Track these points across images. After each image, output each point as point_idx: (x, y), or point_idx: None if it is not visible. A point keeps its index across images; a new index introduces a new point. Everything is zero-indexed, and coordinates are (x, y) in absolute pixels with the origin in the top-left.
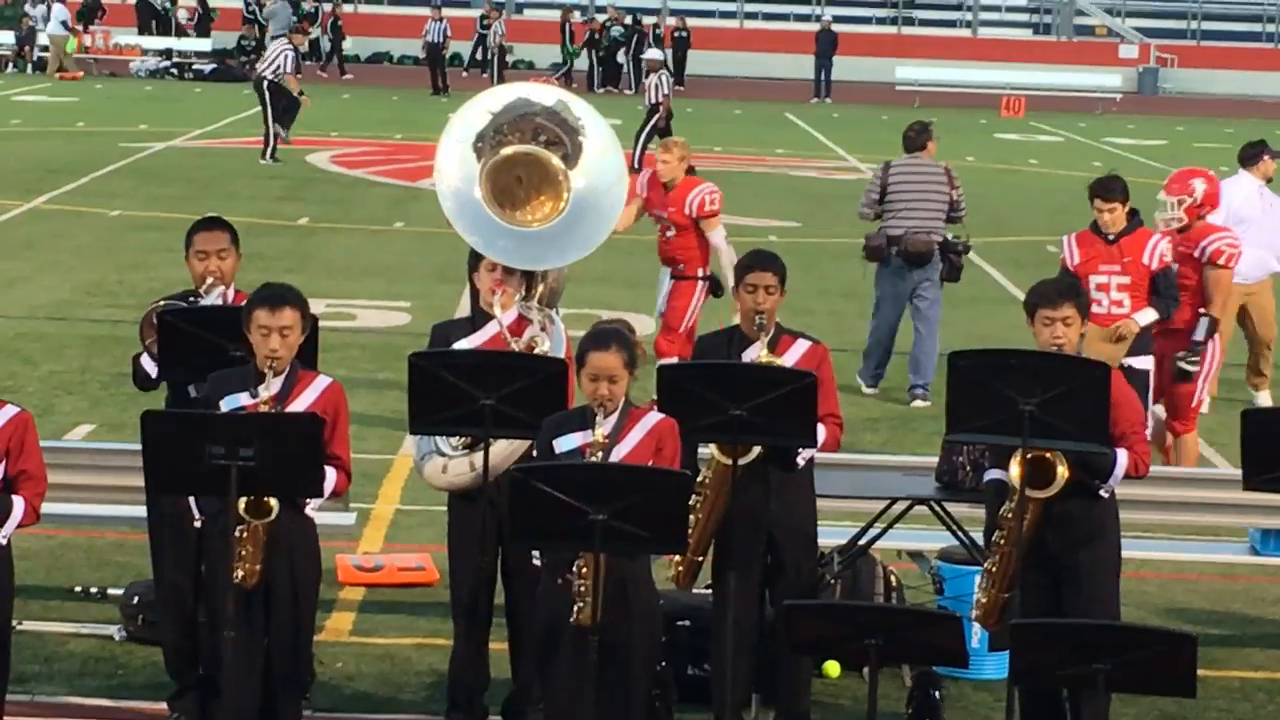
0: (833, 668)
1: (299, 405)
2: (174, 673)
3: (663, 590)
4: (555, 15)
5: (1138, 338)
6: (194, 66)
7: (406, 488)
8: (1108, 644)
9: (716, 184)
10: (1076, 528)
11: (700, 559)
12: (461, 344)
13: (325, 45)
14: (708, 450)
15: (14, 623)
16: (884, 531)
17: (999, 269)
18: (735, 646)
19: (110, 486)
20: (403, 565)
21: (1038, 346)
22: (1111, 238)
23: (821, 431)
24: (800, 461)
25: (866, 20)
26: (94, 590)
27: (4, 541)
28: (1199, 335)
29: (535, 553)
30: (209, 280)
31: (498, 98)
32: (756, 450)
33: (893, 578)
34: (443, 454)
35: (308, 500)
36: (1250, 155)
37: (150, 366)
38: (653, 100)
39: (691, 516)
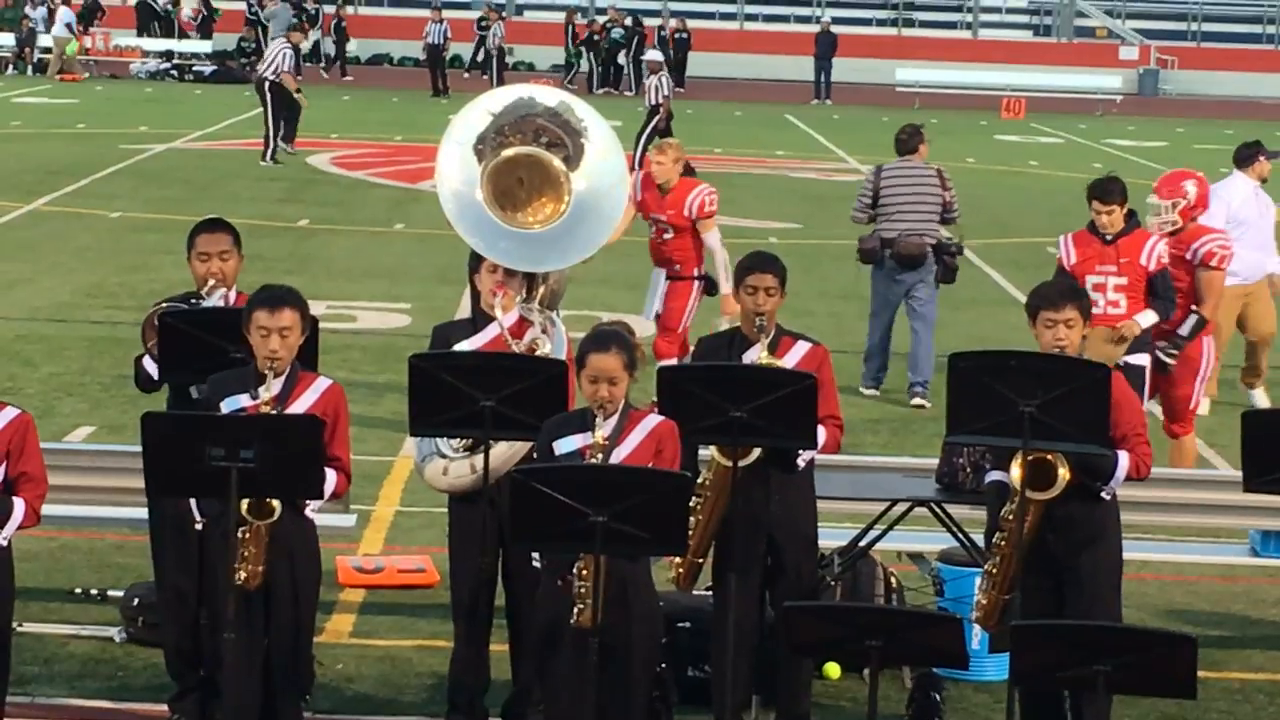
0: (833, 669)
1: (299, 407)
2: (175, 674)
3: (663, 592)
4: (555, 17)
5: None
6: (194, 68)
7: (407, 489)
8: (1108, 645)
9: (716, 185)
10: (1078, 530)
11: (700, 561)
12: (462, 346)
13: (329, 49)
14: (708, 452)
15: (14, 624)
16: (884, 533)
17: (999, 270)
18: (735, 648)
19: (110, 488)
20: (403, 567)
21: (1040, 348)
22: (1109, 238)
23: (822, 433)
24: (800, 463)
25: (866, 22)
26: (94, 592)
27: (4, 543)
28: (1184, 331)
29: (534, 555)
30: (211, 282)
31: (499, 99)
32: (757, 452)
33: (893, 579)
34: (443, 456)
35: (308, 502)
36: (1245, 156)
37: (152, 368)
38: (653, 102)
39: (692, 518)
